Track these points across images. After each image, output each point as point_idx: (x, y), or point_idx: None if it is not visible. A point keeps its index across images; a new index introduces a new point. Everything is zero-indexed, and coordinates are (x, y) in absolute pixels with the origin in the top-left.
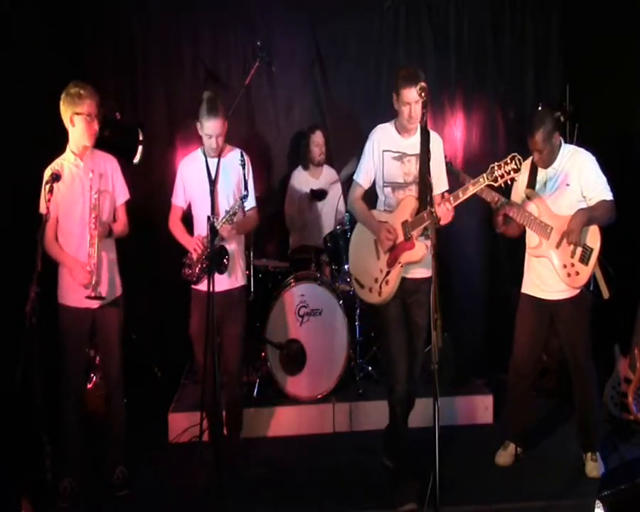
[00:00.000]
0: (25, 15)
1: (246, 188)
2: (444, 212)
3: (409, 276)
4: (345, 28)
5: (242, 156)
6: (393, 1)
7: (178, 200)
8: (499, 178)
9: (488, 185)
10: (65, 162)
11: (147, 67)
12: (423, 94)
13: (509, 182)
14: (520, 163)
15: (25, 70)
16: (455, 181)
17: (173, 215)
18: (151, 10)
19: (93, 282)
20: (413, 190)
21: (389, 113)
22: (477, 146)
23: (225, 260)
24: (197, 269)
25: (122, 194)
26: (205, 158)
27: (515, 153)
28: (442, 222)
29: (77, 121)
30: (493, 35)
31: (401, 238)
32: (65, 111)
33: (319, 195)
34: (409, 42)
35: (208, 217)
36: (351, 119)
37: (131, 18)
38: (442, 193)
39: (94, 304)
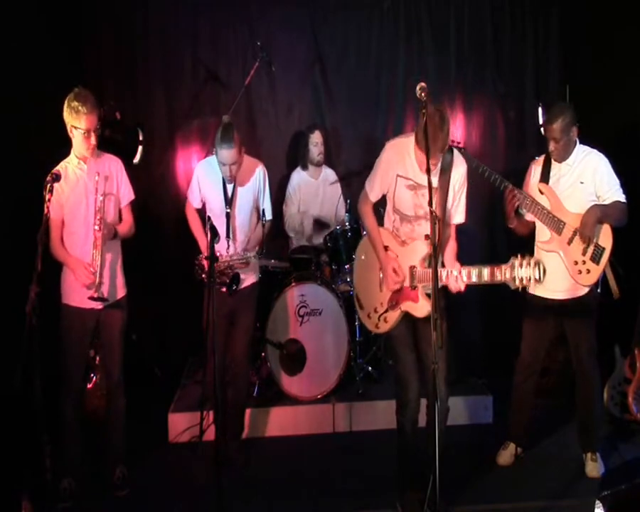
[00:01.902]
0: (26, 15)
1: (262, 247)
2: (455, 286)
3: None
4: (345, 28)
5: (262, 214)
6: (393, 1)
7: (194, 201)
8: (517, 281)
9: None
10: (70, 165)
11: (147, 67)
12: (423, 95)
13: (526, 287)
14: (544, 275)
15: (25, 70)
16: (469, 169)
17: (189, 207)
18: (151, 10)
19: (96, 284)
20: (422, 225)
21: (388, 113)
22: (477, 146)
23: (234, 287)
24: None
25: (127, 195)
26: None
27: (540, 261)
28: (452, 291)
29: (75, 134)
30: (493, 35)
31: (407, 283)
32: (66, 120)
33: (323, 225)
34: (409, 42)
35: (209, 217)
36: (351, 119)
37: (131, 18)
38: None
39: (99, 305)
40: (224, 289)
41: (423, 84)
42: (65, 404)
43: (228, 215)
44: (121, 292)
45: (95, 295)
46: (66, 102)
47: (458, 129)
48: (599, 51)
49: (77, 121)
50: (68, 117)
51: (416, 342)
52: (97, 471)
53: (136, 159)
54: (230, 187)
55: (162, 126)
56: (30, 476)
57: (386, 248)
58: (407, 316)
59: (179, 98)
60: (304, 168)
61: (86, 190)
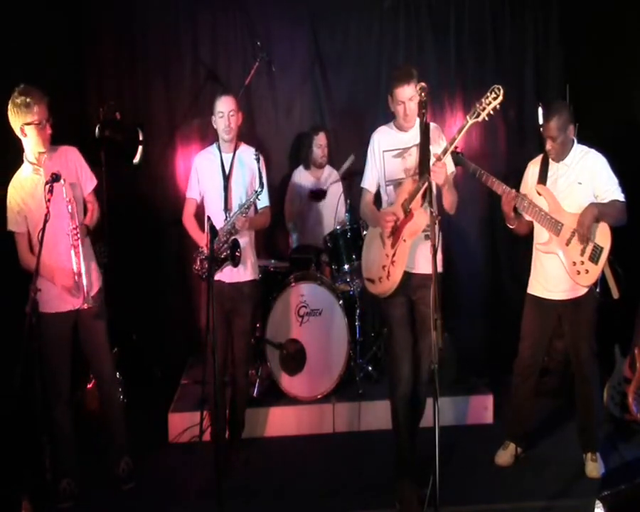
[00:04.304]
0: (26, 15)
1: (261, 183)
2: (437, 170)
3: (414, 271)
4: (345, 28)
5: (256, 151)
6: (393, 1)
7: (192, 193)
8: (481, 112)
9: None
10: (24, 173)
11: (147, 67)
12: (423, 94)
13: (492, 112)
14: (500, 90)
15: (26, 70)
16: (466, 173)
17: (187, 209)
18: (151, 9)
19: (84, 293)
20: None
21: (389, 112)
22: (477, 146)
23: (237, 253)
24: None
25: (89, 183)
26: (220, 153)
27: (495, 85)
28: (439, 182)
29: (29, 130)
30: (493, 35)
31: (402, 217)
32: (15, 122)
33: (318, 195)
34: (409, 42)
35: (208, 217)
36: (351, 119)
37: (131, 18)
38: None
39: (76, 305)
40: (223, 273)
41: (423, 84)
42: (55, 409)
43: (226, 189)
44: (95, 287)
45: (86, 306)
46: (10, 103)
47: (458, 128)
48: (599, 51)
49: (29, 115)
50: (16, 117)
51: (413, 323)
52: (98, 469)
53: (136, 159)
54: (227, 161)
55: (162, 126)
56: (30, 476)
57: None
58: (406, 295)
59: (179, 98)
60: (306, 167)
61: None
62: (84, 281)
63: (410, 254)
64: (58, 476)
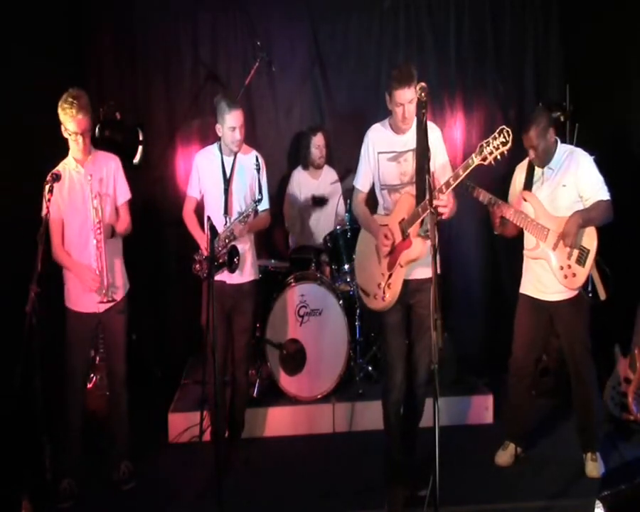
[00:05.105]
0: (26, 15)
1: (260, 193)
2: (441, 205)
3: (411, 277)
4: (345, 28)
5: (257, 160)
6: (393, 1)
7: (193, 191)
8: (488, 156)
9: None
10: (68, 167)
11: (147, 67)
12: (423, 95)
13: (499, 157)
14: (509, 135)
15: (26, 70)
16: (460, 187)
17: (187, 206)
18: (151, 10)
19: (105, 287)
20: (409, 191)
21: (389, 113)
22: (476, 146)
23: (235, 260)
24: (207, 266)
25: (124, 193)
26: (221, 155)
27: (504, 126)
28: (444, 217)
29: (68, 137)
30: (493, 35)
31: (399, 238)
32: (61, 120)
33: (320, 201)
34: (409, 42)
35: (208, 217)
36: (351, 119)
37: (131, 18)
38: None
39: (101, 308)
40: (224, 274)
41: (423, 84)
42: (68, 404)
43: (226, 192)
44: (121, 293)
45: (105, 299)
46: (60, 102)
47: (458, 128)
48: (599, 51)
49: (68, 124)
50: (61, 118)
51: (409, 329)
52: (98, 469)
53: (136, 159)
54: (228, 164)
55: (162, 126)
56: (30, 476)
57: None
58: (403, 301)
59: (179, 98)
60: (305, 167)
61: (83, 195)
62: (105, 275)
63: None
64: (58, 476)
